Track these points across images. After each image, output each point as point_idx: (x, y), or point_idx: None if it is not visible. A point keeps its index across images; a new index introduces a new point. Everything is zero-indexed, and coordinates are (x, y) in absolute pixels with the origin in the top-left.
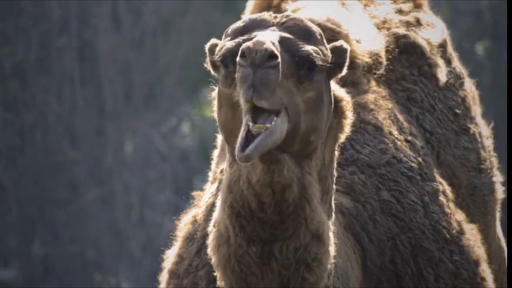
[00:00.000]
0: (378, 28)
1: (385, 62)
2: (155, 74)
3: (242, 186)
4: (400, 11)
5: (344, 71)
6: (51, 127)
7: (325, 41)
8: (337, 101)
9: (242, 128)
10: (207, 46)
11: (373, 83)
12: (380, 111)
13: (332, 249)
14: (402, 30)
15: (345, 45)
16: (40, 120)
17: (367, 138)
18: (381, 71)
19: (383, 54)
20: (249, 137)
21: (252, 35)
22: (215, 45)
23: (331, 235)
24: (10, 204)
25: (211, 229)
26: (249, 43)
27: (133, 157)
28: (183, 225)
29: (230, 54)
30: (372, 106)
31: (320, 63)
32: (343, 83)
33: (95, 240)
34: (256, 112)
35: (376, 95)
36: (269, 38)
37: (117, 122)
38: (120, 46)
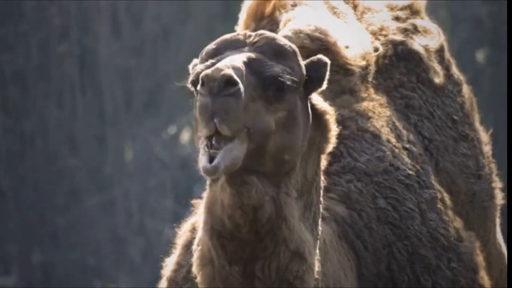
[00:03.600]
0: (375, 35)
1: (373, 67)
2: (155, 81)
3: (219, 209)
4: (397, 18)
5: (324, 85)
6: (51, 134)
7: (299, 58)
8: (320, 115)
9: (202, 151)
10: (190, 66)
11: (371, 90)
12: (378, 119)
13: (315, 265)
14: (399, 37)
15: (324, 59)
16: (40, 127)
17: (364, 146)
18: (370, 76)
19: (372, 59)
20: (212, 157)
21: (221, 58)
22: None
23: (313, 251)
24: (10, 211)
25: (195, 247)
26: (208, 71)
27: (133, 164)
28: (182, 233)
29: (198, 79)
30: (370, 114)
31: (289, 83)
32: (341, 90)
33: (95, 247)
34: (214, 137)
35: (374, 103)
36: (233, 62)
37: (117, 129)
38: (120, 53)
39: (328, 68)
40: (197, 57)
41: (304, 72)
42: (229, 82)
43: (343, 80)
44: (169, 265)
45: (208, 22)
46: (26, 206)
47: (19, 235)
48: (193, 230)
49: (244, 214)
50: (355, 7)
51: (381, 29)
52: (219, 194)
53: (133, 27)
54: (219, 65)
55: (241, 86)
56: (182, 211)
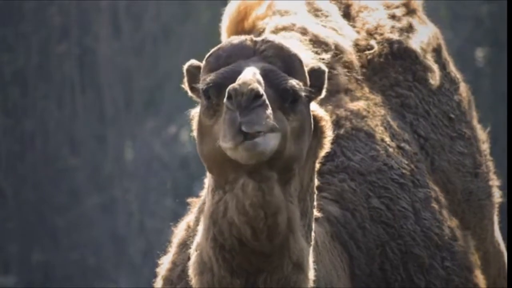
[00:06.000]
0: (371, 34)
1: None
2: (155, 81)
3: (233, 216)
4: (393, 17)
5: (323, 93)
6: (51, 134)
7: (304, 66)
8: (317, 121)
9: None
10: (185, 67)
11: (366, 89)
12: (373, 118)
13: (311, 273)
14: (395, 36)
15: (323, 67)
16: (40, 127)
17: (358, 145)
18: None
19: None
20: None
21: (236, 67)
22: (195, 67)
23: (309, 259)
24: (10, 211)
25: (193, 251)
26: (235, 85)
27: (133, 164)
28: (178, 232)
29: (214, 87)
30: (364, 113)
31: (304, 94)
32: (336, 89)
33: (95, 247)
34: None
35: (369, 102)
36: (254, 75)
37: (117, 129)
38: (120, 53)
39: (326, 76)
40: (197, 56)
41: (308, 81)
42: (256, 95)
43: (338, 79)
44: (164, 264)
45: (208, 22)
46: (26, 206)
47: (19, 235)
48: (188, 228)
49: (265, 216)
50: (348, 6)
51: (377, 27)
52: (235, 201)
53: (133, 27)
54: (245, 78)
55: (265, 97)
56: (182, 210)
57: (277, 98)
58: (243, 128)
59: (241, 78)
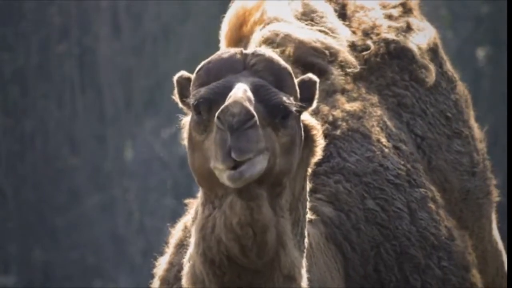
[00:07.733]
0: (367, 34)
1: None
2: (155, 81)
3: (220, 233)
4: (390, 17)
5: (314, 104)
6: (51, 134)
7: (294, 79)
8: (308, 130)
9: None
10: (175, 79)
11: (363, 90)
12: (369, 119)
13: (304, 282)
14: (392, 35)
15: (314, 78)
16: (40, 127)
17: (354, 146)
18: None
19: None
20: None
21: (226, 83)
22: (185, 78)
23: (302, 268)
24: (10, 210)
25: (186, 262)
26: (225, 107)
27: (133, 163)
28: (175, 232)
29: (204, 102)
30: (360, 114)
31: (294, 109)
32: (333, 89)
33: (95, 246)
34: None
35: (365, 102)
36: (244, 93)
37: (117, 129)
38: (120, 53)
39: (318, 86)
40: (197, 56)
41: (298, 94)
42: (247, 117)
43: (335, 80)
44: (161, 264)
45: (208, 22)
46: (26, 206)
47: (19, 235)
48: (185, 229)
49: (254, 234)
50: (344, 6)
51: (373, 27)
52: (223, 218)
53: (133, 27)
54: (235, 97)
55: (256, 118)
56: (182, 210)
57: (267, 114)
58: (233, 155)
59: (231, 96)
